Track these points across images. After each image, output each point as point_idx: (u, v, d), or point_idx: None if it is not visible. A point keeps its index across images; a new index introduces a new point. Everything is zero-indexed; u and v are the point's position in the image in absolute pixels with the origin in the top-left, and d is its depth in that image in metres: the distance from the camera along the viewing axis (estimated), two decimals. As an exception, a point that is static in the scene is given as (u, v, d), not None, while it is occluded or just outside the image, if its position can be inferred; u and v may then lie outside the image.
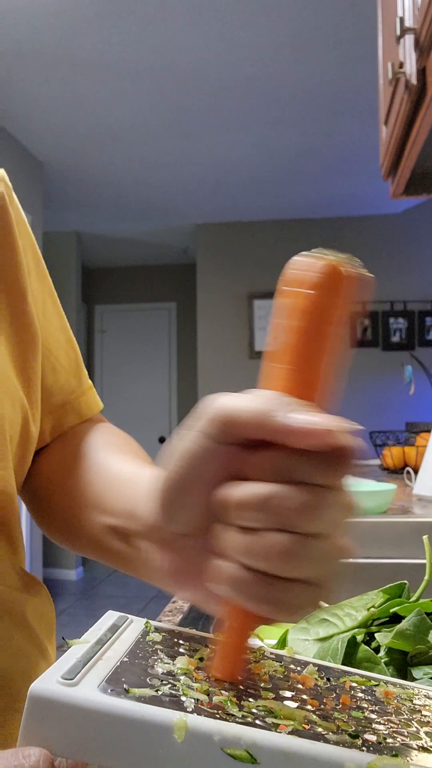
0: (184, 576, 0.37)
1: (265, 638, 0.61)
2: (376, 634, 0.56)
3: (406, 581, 0.63)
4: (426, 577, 0.64)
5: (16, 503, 0.54)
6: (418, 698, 0.37)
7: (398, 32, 1.14)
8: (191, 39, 2.79)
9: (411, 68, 1.11)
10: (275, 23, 2.68)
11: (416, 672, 0.52)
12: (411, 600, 0.61)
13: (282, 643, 0.60)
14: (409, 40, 1.13)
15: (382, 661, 0.53)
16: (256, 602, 0.30)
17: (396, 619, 0.59)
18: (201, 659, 0.34)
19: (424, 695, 0.38)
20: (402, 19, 1.14)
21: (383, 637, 0.55)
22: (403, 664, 0.54)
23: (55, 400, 0.61)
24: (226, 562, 0.31)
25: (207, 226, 5.29)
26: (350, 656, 0.52)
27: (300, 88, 3.19)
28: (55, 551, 5.16)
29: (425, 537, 0.66)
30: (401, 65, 1.20)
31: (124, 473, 0.49)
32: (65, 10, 2.56)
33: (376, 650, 0.56)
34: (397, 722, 0.33)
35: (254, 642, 0.39)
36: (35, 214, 3.99)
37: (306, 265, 0.30)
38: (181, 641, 0.36)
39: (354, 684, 0.37)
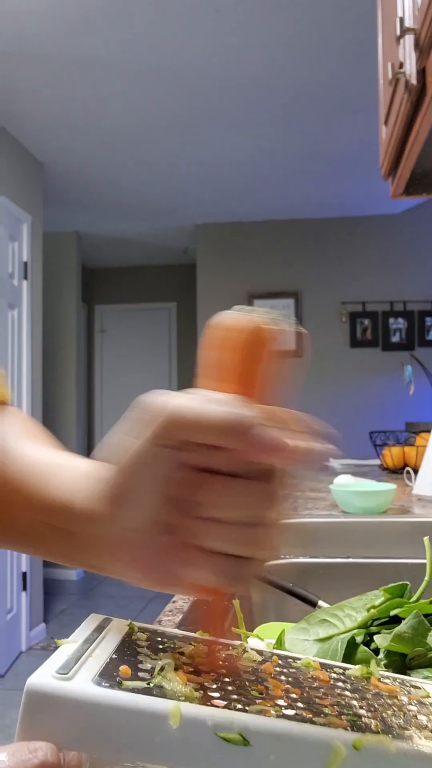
0: (133, 564, 0.37)
1: (265, 638, 0.61)
2: (374, 637, 0.56)
3: (408, 582, 0.63)
4: (426, 578, 0.64)
5: None
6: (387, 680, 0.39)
7: (398, 32, 1.14)
8: (191, 39, 2.79)
9: (411, 68, 1.11)
10: (275, 23, 2.68)
11: (415, 674, 0.52)
12: (411, 601, 0.61)
13: (279, 643, 0.60)
14: (409, 40, 1.13)
15: (382, 663, 0.53)
16: (227, 580, 0.33)
17: (396, 619, 0.59)
18: (182, 653, 0.35)
19: (410, 684, 0.39)
20: (402, 20, 1.14)
21: (382, 640, 0.55)
22: (401, 666, 0.54)
23: None
24: (195, 551, 0.33)
25: (207, 226, 5.29)
26: (349, 657, 0.53)
27: (300, 88, 3.19)
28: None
29: (426, 538, 0.66)
30: (401, 65, 1.20)
31: (43, 462, 0.46)
32: (65, 11, 2.56)
33: (376, 651, 0.55)
34: (378, 707, 0.34)
35: (256, 643, 0.39)
36: (35, 214, 3.99)
37: (232, 323, 0.32)
38: (164, 640, 0.37)
39: (333, 675, 0.38)
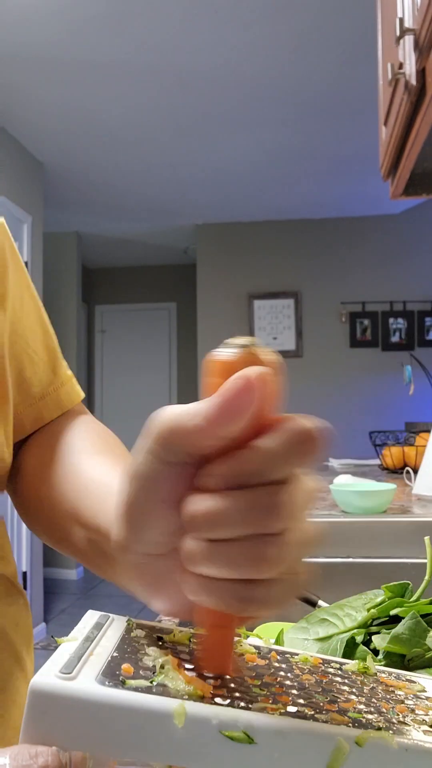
0: (158, 592, 0.36)
1: (265, 637, 0.61)
2: (373, 637, 0.56)
3: (409, 582, 0.63)
4: (426, 578, 0.64)
5: None
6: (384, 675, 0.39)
7: (398, 33, 1.14)
8: (191, 39, 2.79)
9: (410, 69, 1.11)
10: (275, 23, 2.68)
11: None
12: (411, 600, 0.61)
13: (279, 642, 0.60)
14: (408, 40, 1.13)
15: (381, 663, 0.53)
16: (239, 606, 0.30)
17: (397, 619, 0.59)
18: (176, 649, 0.35)
19: (407, 679, 0.39)
20: (402, 20, 1.14)
21: (380, 640, 0.55)
22: (400, 667, 0.54)
23: (35, 392, 0.60)
24: (200, 575, 0.30)
25: (207, 226, 5.29)
26: (349, 657, 0.53)
27: (300, 88, 3.19)
28: (55, 551, 5.16)
29: (426, 538, 0.66)
30: (401, 66, 1.20)
31: (97, 483, 0.47)
32: (65, 11, 2.57)
33: (376, 652, 0.56)
34: (376, 702, 0.34)
35: (256, 641, 0.39)
36: (35, 214, 3.99)
37: (226, 353, 0.32)
38: (163, 636, 0.37)
39: (330, 670, 0.38)
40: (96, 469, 0.50)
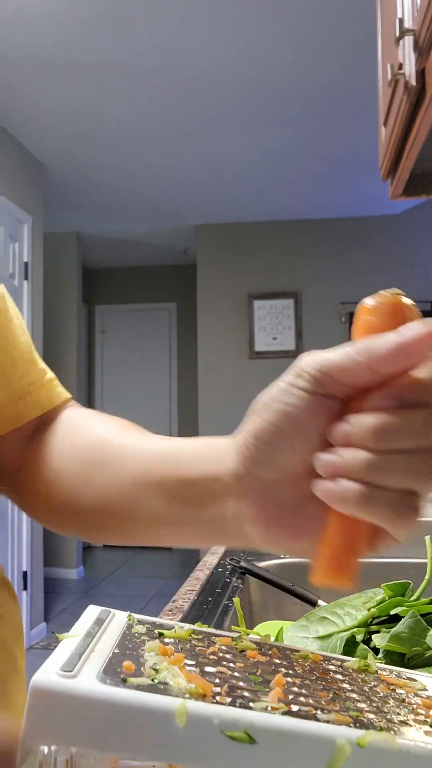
0: (278, 524, 0.38)
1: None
2: (373, 636, 0.56)
3: (410, 581, 0.63)
4: (426, 577, 0.64)
5: None
6: (383, 672, 0.39)
7: (398, 33, 1.14)
8: (191, 40, 2.79)
9: (410, 69, 1.11)
10: (275, 24, 2.68)
11: (414, 673, 0.53)
12: (411, 599, 0.61)
13: (279, 640, 0.60)
14: (408, 41, 1.13)
15: (381, 662, 0.54)
16: (390, 516, 0.33)
17: (397, 617, 0.59)
18: (177, 646, 0.35)
19: (406, 676, 0.39)
20: (401, 21, 1.14)
21: (380, 639, 0.55)
22: (400, 666, 0.54)
23: (15, 390, 0.59)
24: (347, 481, 0.33)
25: (207, 226, 5.29)
26: (349, 655, 0.53)
27: (300, 88, 3.19)
28: (56, 551, 5.16)
29: (427, 537, 0.66)
30: (400, 66, 1.20)
31: (164, 444, 0.49)
32: (66, 12, 2.57)
33: (376, 650, 0.56)
34: (377, 701, 0.34)
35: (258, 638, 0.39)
36: (35, 215, 3.99)
37: (378, 298, 0.37)
38: (164, 632, 0.37)
39: (331, 668, 0.38)
40: (135, 434, 0.52)
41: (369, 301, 0.37)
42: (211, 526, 0.43)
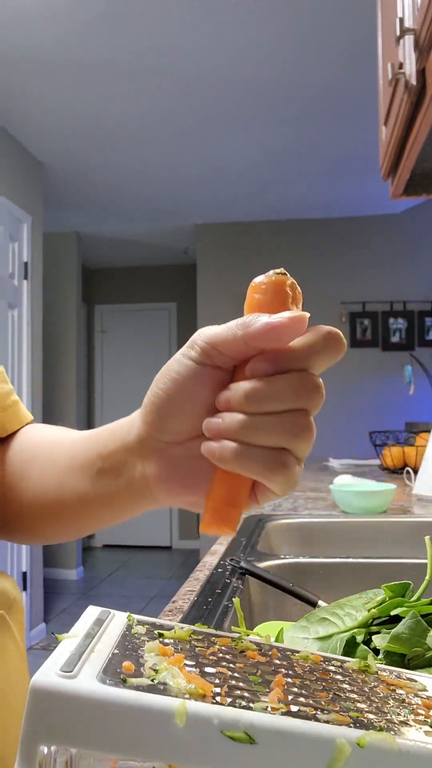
0: (176, 481, 0.44)
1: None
2: (373, 637, 0.56)
3: (410, 582, 0.63)
4: (427, 578, 0.64)
5: None
6: (385, 673, 0.39)
7: (398, 33, 1.14)
8: (191, 40, 2.79)
9: (411, 69, 1.11)
10: (275, 24, 2.68)
11: (415, 674, 0.52)
12: (411, 600, 0.61)
13: (279, 641, 0.60)
14: (408, 40, 1.13)
15: (382, 663, 0.53)
16: (266, 471, 0.37)
17: (398, 618, 0.59)
18: (177, 646, 0.35)
19: (407, 677, 0.39)
20: (402, 20, 1.14)
21: (380, 640, 0.55)
22: (401, 667, 0.54)
23: None
24: (227, 441, 0.38)
25: (207, 226, 5.29)
26: (349, 656, 0.53)
27: (300, 88, 3.19)
28: (55, 551, 5.17)
29: (427, 538, 0.66)
30: (401, 66, 1.20)
31: (89, 433, 0.52)
32: (66, 12, 2.57)
33: (376, 651, 0.56)
34: (377, 701, 0.34)
35: (256, 639, 0.39)
36: (35, 214, 3.99)
37: (264, 281, 0.42)
38: (164, 633, 0.37)
39: (332, 668, 0.38)
40: (71, 432, 0.56)
41: (257, 279, 0.42)
42: (128, 493, 0.47)
